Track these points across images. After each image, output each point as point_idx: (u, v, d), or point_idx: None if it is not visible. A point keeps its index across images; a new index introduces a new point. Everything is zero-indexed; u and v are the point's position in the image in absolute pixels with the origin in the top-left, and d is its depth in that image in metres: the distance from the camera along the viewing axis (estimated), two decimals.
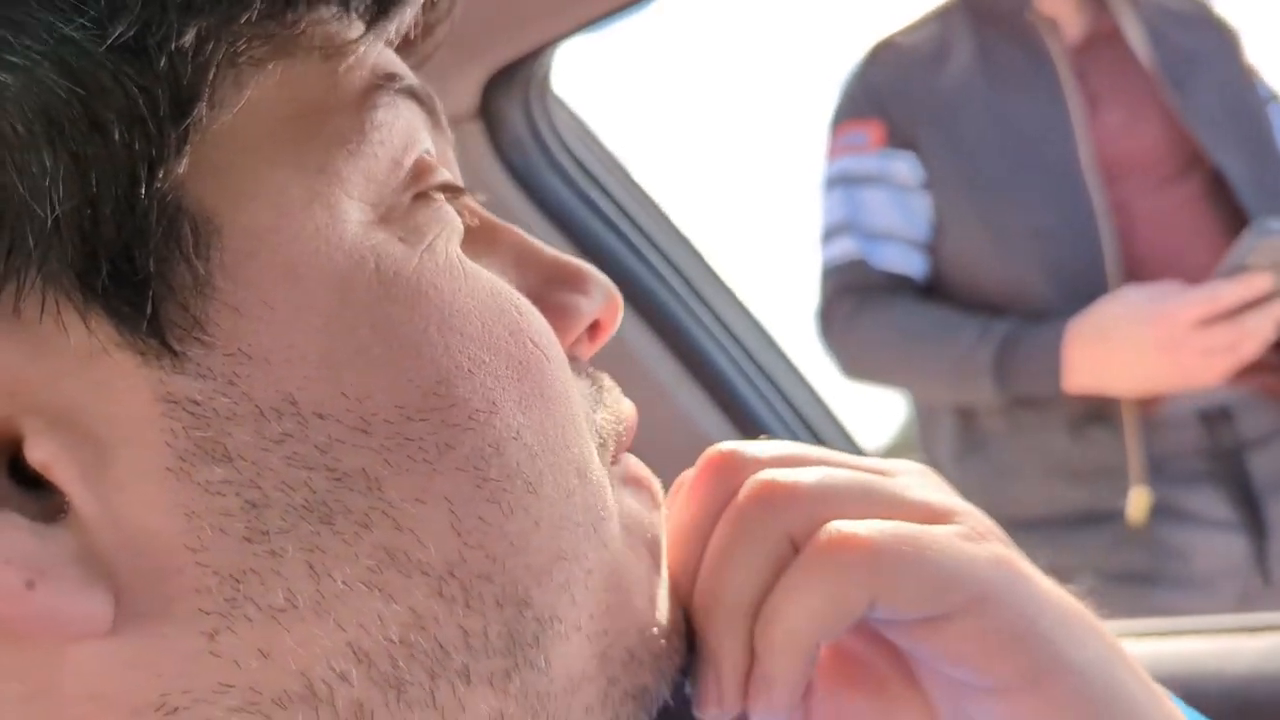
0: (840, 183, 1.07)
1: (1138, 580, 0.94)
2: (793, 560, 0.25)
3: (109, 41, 0.20)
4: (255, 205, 0.21)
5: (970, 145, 1.02)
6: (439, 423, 0.22)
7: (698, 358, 0.71)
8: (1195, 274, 0.93)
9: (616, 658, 0.24)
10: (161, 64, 0.20)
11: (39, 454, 0.19)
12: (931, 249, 1.05)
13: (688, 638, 0.26)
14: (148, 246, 0.20)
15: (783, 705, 0.25)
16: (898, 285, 1.04)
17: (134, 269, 0.20)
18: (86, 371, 0.20)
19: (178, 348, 0.20)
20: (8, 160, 0.19)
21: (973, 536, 0.26)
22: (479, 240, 0.26)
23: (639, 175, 0.75)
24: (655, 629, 0.25)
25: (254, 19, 0.21)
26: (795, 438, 0.73)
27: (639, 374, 0.69)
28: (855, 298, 1.04)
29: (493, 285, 0.24)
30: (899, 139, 1.04)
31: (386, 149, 0.23)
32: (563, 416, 0.24)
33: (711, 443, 0.76)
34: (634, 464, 0.28)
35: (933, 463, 1.15)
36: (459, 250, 0.24)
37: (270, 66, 0.22)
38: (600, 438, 0.26)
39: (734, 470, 0.28)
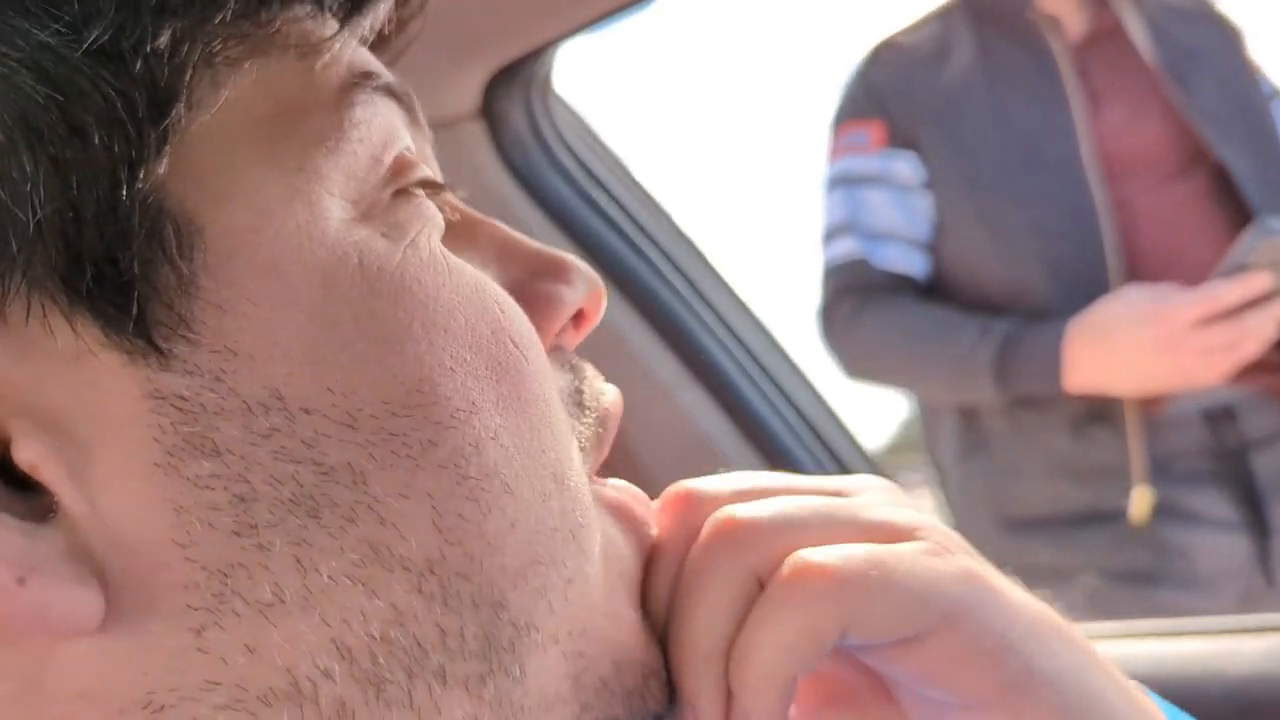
0: (841, 183, 1.06)
1: (1140, 579, 0.94)
2: (760, 596, 0.25)
3: (84, 46, 0.20)
4: (236, 204, 0.21)
5: (971, 144, 1.02)
6: (422, 419, 0.22)
7: (699, 357, 0.71)
8: (1198, 272, 0.93)
9: (590, 684, 0.24)
10: (137, 66, 0.20)
11: (26, 455, 0.20)
12: (933, 248, 1.04)
13: (669, 687, 0.26)
14: (131, 248, 0.20)
15: None
16: (899, 285, 1.04)
17: (118, 271, 0.20)
18: (73, 372, 0.20)
19: (164, 346, 0.20)
20: None
21: (938, 552, 0.25)
22: (460, 235, 0.26)
23: (641, 175, 0.75)
24: (630, 664, 0.25)
25: (228, 19, 0.22)
26: (797, 437, 0.73)
27: (640, 373, 0.69)
28: (856, 298, 1.04)
29: (476, 281, 0.24)
30: (900, 139, 1.04)
31: (366, 146, 0.23)
32: (539, 420, 0.24)
33: (713, 442, 0.76)
34: (619, 492, 0.28)
35: (936, 463, 1.14)
36: (441, 245, 0.24)
37: (246, 66, 0.22)
38: (581, 444, 0.26)
39: (694, 509, 0.27)
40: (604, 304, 0.29)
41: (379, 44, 0.27)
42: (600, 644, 0.25)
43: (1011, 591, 0.26)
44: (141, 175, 0.20)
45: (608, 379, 0.29)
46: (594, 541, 0.25)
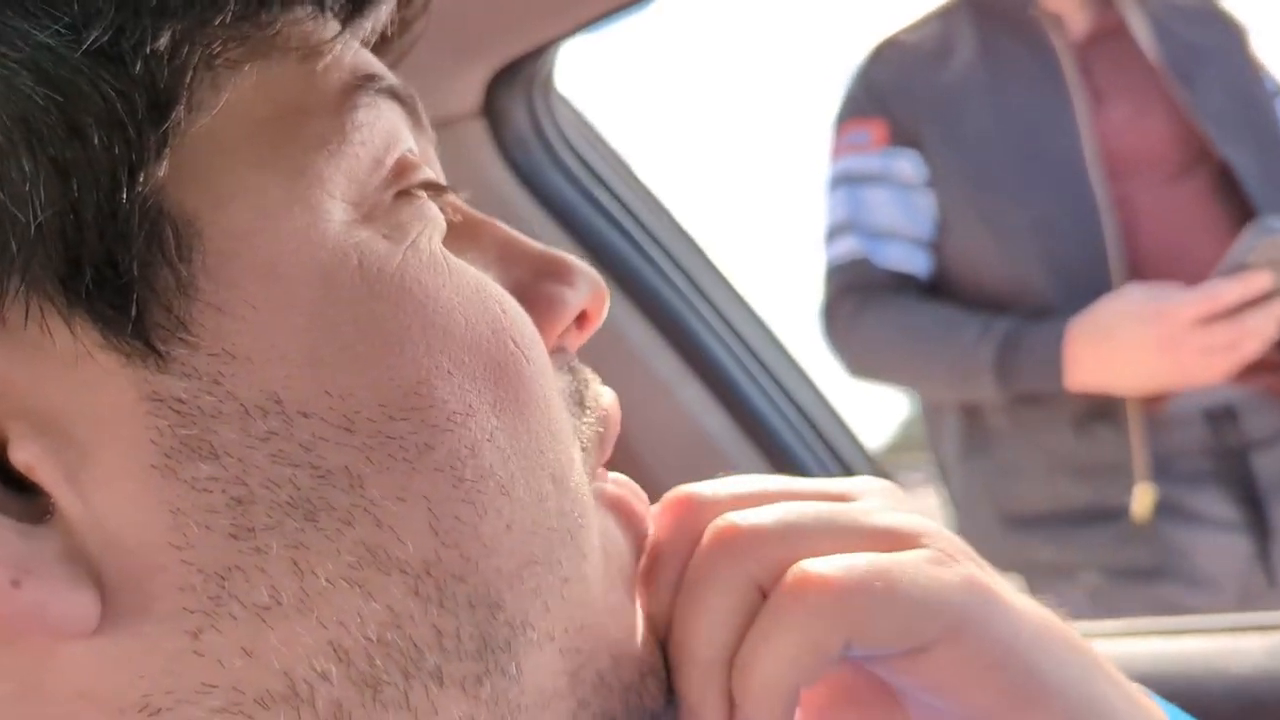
0: (844, 182, 1.06)
1: (1143, 577, 0.94)
2: (762, 607, 0.25)
3: (84, 47, 0.20)
4: (236, 206, 0.21)
5: (973, 142, 1.02)
6: (419, 422, 0.22)
7: (700, 355, 0.71)
8: (1200, 271, 0.92)
9: (588, 680, 0.24)
10: (137, 68, 0.20)
11: (23, 456, 0.20)
12: (935, 247, 1.04)
13: (667, 685, 0.26)
14: (130, 250, 0.20)
15: None
16: (901, 284, 1.04)
17: (117, 273, 0.20)
18: (70, 374, 0.20)
19: (162, 349, 0.20)
20: None
21: (942, 560, 0.25)
22: (462, 236, 0.26)
23: (643, 173, 0.75)
24: (628, 659, 0.25)
25: (228, 21, 0.21)
26: (798, 436, 0.73)
27: (642, 371, 0.69)
28: (858, 296, 1.04)
29: (477, 281, 0.24)
30: (902, 137, 1.04)
31: (368, 149, 0.23)
32: (538, 421, 0.24)
33: (714, 440, 0.76)
34: (619, 487, 0.28)
35: (939, 460, 1.14)
36: (442, 246, 0.24)
37: (247, 68, 0.22)
38: (582, 444, 0.26)
39: (695, 514, 0.27)
40: (607, 306, 0.29)
41: (382, 45, 0.26)
42: (598, 640, 0.24)
43: (1016, 599, 0.26)
44: (141, 177, 0.20)
45: (609, 377, 0.29)
46: (592, 541, 0.25)
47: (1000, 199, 1.00)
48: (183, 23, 0.21)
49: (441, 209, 0.25)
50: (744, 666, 0.25)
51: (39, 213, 0.19)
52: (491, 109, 0.68)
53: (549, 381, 0.25)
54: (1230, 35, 1.08)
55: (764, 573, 0.25)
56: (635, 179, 0.75)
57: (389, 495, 0.21)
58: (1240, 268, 0.89)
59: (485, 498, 0.22)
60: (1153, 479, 0.93)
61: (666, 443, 0.69)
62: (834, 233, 1.07)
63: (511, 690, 0.23)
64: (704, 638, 0.25)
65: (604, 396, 0.28)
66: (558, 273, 0.27)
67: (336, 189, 0.23)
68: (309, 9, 0.24)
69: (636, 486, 0.28)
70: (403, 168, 0.24)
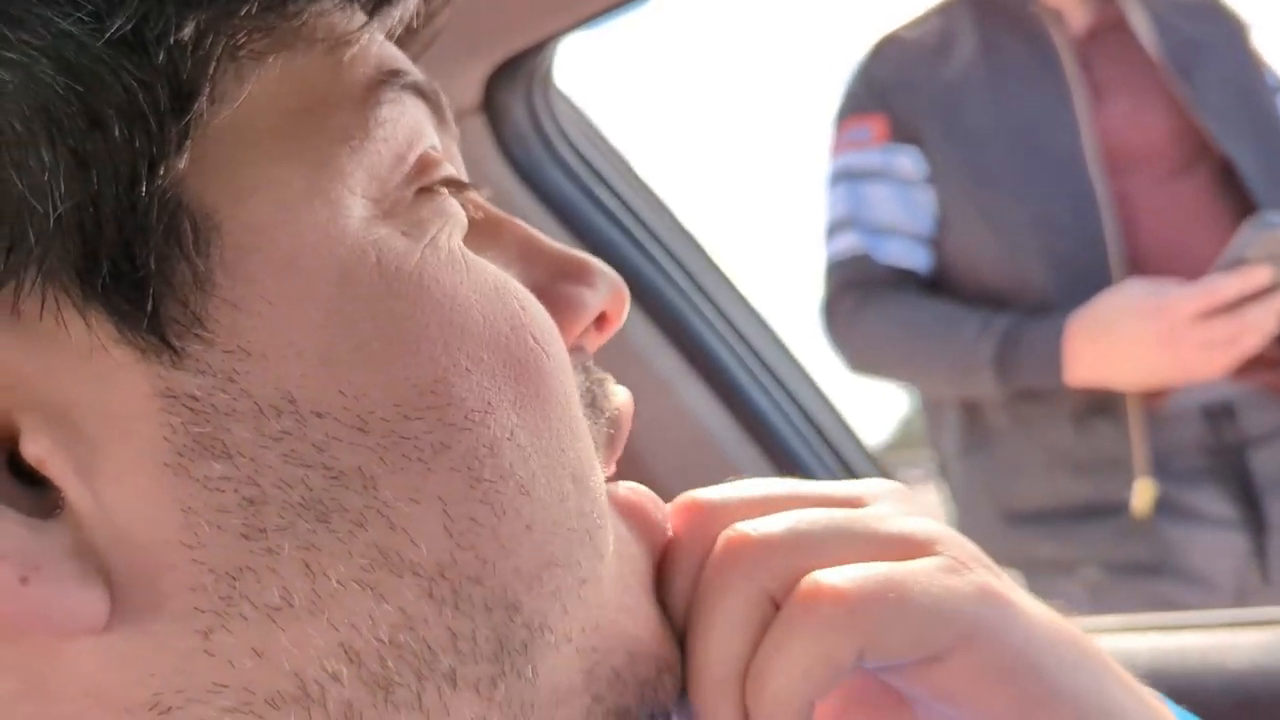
0: (844, 178, 1.06)
1: (1143, 572, 0.94)
2: (775, 619, 0.25)
3: (107, 35, 0.19)
4: (256, 200, 0.21)
5: (974, 138, 1.02)
6: (435, 422, 0.22)
7: (700, 352, 0.71)
8: (1201, 266, 0.92)
9: (603, 676, 0.24)
10: (160, 58, 0.20)
11: (34, 449, 0.19)
12: (935, 243, 1.04)
13: (682, 681, 0.26)
14: (148, 244, 0.20)
15: None
16: (901, 280, 1.04)
17: (134, 267, 0.20)
18: (84, 367, 0.20)
19: (177, 344, 0.20)
20: (6, 158, 0.19)
21: (955, 568, 0.25)
22: (483, 234, 0.26)
23: (642, 169, 0.75)
24: (645, 655, 0.25)
25: (254, 11, 0.21)
26: (798, 433, 0.73)
27: (641, 368, 0.69)
28: (859, 292, 1.04)
29: (496, 279, 0.24)
30: (903, 133, 1.04)
31: (390, 145, 0.23)
32: (559, 418, 0.24)
33: (713, 437, 0.76)
34: (633, 493, 0.27)
35: (939, 456, 1.14)
36: (461, 244, 0.24)
37: (271, 60, 0.22)
38: (594, 444, 0.26)
39: (705, 521, 0.27)
40: (626, 307, 0.28)
41: (405, 37, 0.26)
42: (614, 637, 0.24)
43: (1029, 606, 0.26)
44: (161, 170, 0.20)
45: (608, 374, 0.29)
46: (609, 541, 0.25)
47: (1000, 195, 1.00)
48: (208, 12, 0.20)
49: (463, 205, 0.25)
50: (757, 679, 0.24)
51: (58, 204, 0.19)
52: (491, 104, 0.68)
53: (569, 378, 0.25)
54: (1231, 30, 1.07)
55: (776, 583, 0.25)
56: (634, 175, 0.75)
57: (403, 496, 0.21)
58: (1239, 262, 0.89)
59: (504, 498, 0.22)
60: (1152, 475, 0.93)
61: (667, 441, 0.69)
62: (834, 228, 1.07)
63: (526, 691, 0.22)
64: (717, 650, 0.25)
65: (618, 395, 0.28)
66: (578, 273, 0.27)
67: (357, 185, 0.22)
68: (336, 0, 0.23)
69: (652, 494, 0.28)
70: (424, 164, 0.24)
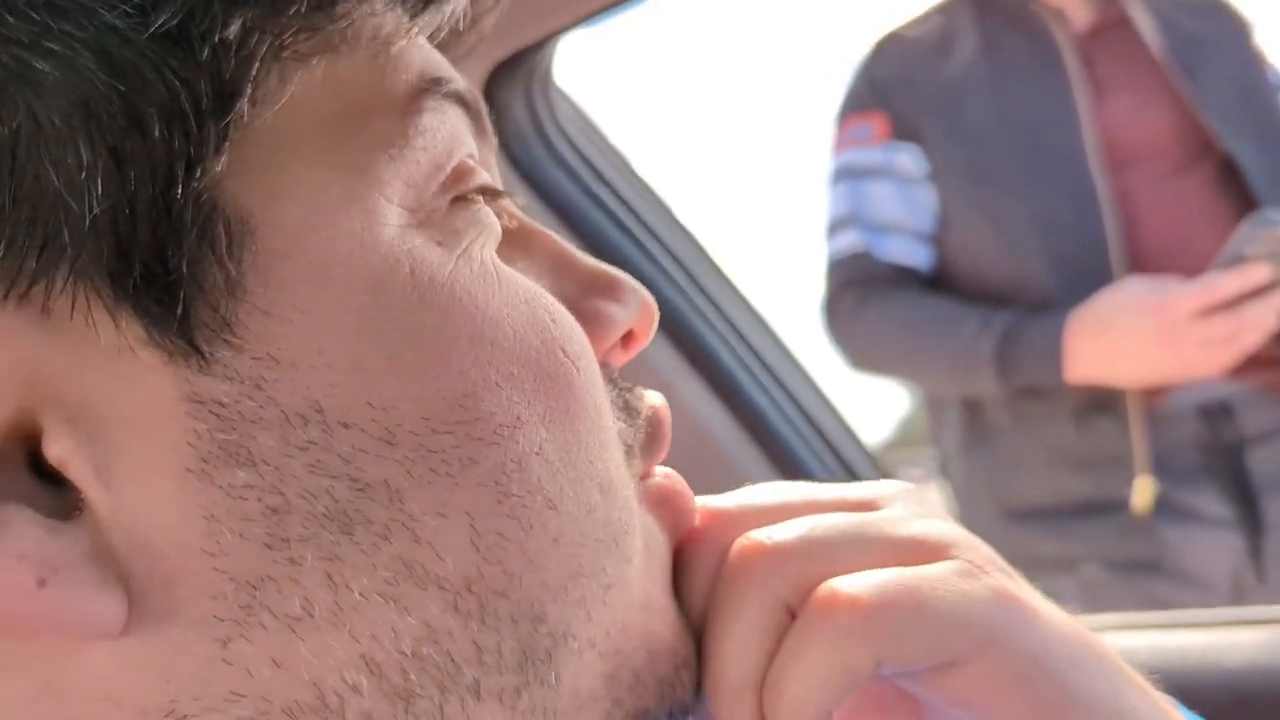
0: (845, 176, 1.06)
1: (1143, 569, 0.94)
2: (791, 627, 0.25)
3: (151, 30, 0.19)
4: (292, 205, 0.21)
5: (975, 136, 1.02)
6: (463, 436, 0.21)
7: (700, 351, 0.71)
8: (1202, 264, 0.92)
9: (624, 680, 0.24)
10: (204, 55, 0.19)
11: (56, 449, 0.19)
12: (936, 241, 1.04)
13: (698, 676, 0.26)
14: (181, 246, 0.19)
15: None
16: (902, 277, 1.04)
17: (166, 269, 0.19)
18: (111, 366, 0.19)
19: (206, 349, 0.20)
20: (44, 153, 0.18)
21: (971, 572, 0.25)
22: (515, 244, 0.26)
23: (641, 168, 0.75)
24: (664, 653, 0.25)
25: (302, 10, 0.21)
26: (797, 431, 0.73)
27: (640, 366, 0.69)
28: (860, 290, 1.04)
29: (528, 292, 0.24)
30: (904, 131, 1.04)
31: (429, 154, 0.23)
32: (588, 431, 0.23)
33: (714, 436, 0.76)
34: (666, 484, 0.27)
35: (941, 453, 1.14)
36: (494, 255, 0.24)
37: (315, 62, 0.21)
38: (627, 445, 0.25)
39: (719, 530, 0.27)
40: (655, 324, 0.28)
41: (449, 41, 0.26)
42: (636, 637, 0.24)
43: (1045, 610, 0.26)
44: (199, 172, 0.19)
45: None
46: (636, 544, 0.25)
47: (1001, 193, 1.00)
48: (254, 10, 0.20)
49: (497, 214, 0.25)
50: (774, 688, 0.24)
51: (94, 205, 0.19)
52: (490, 102, 0.68)
53: (600, 391, 0.24)
54: (1234, 28, 1.07)
55: (791, 592, 0.25)
56: (634, 173, 0.75)
57: (429, 510, 0.21)
58: (1239, 260, 0.89)
59: (531, 513, 0.22)
60: (1151, 474, 0.93)
61: None
62: (835, 226, 1.07)
63: (549, 699, 0.22)
64: (734, 660, 0.25)
65: (651, 398, 0.27)
66: (608, 289, 0.27)
67: (394, 193, 0.22)
68: (383, 1, 0.23)
69: (680, 478, 0.28)
70: (460, 172, 0.23)
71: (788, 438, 0.72)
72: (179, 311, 0.19)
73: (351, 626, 0.20)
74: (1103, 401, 0.95)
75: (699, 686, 0.26)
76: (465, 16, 0.25)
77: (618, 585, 0.24)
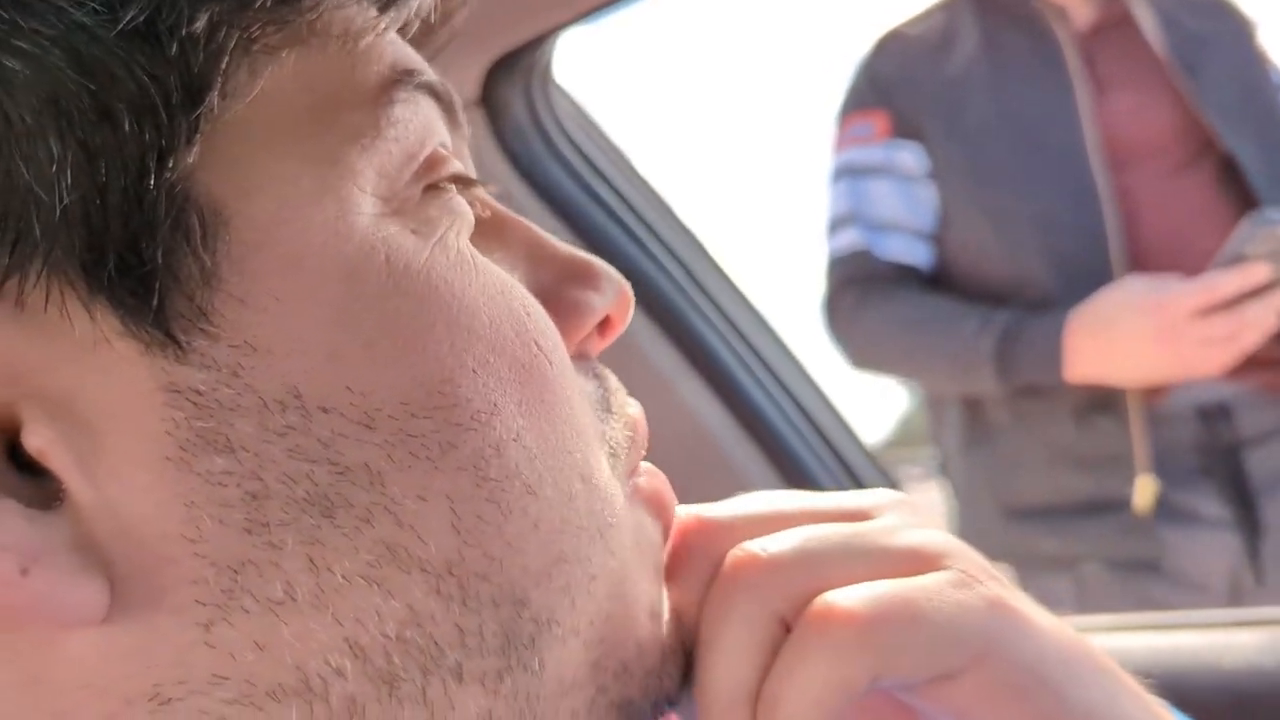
0: (846, 174, 1.06)
1: (1143, 568, 0.94)
2: (785, 641, 0.25)
3: (119, 27, 0.19)
4: (264, 196, 0.21)
5: (975, 134, 1.02)
6: (442, 421, 0.21)
7: (699, 349, 0.71)
8: (1203, 263, 0.92)
9: (609, 668, 0.24)
10: (173, 51, 0.20)
11: (36, 440, 0.19)
12: (937, 239, 1.04)
13: (685, 670, 0.26)
14: (155, 238, 0.20)
15: None
16: (903, 276, 1.04)
17: (140, 260, 0.20)
18: (88, 359, 0.20)
19: (182, 339, 0.20)
20: (14, 150, 0.19)
21: (966, 582, 0.25)
22: (490, 234, 0.26)
23: (641, 164, 0.75)
24: (653, 645, 0.25)
25: (268, 4, 0.21)
26: (796, 430, 0.73)
27: (639, 364, 0.69)
28: (860, 288, 1.04)
29: (502, 282, 0.24)
30: (905, 129, 1.04)
31: (401, 145, 0.23)
32: (563, 421, 0.24)
33: (712, 434, 0.76)
34: (654, 484, 0.27)
35: (941, 452, 1.14)
36: (469, 243, 0.24)
37: (285, 55, 0.22)
38: (611, 447, 0.26)
39: (711, 540, 0.27)
40: (631, 312, 0.28)
41: (421, 35, 0.26)
42: (623, 628, 0.24)
43: (1040, 618, 0.26)
44: (171, 163, 0.20)
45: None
46: (622, 539, 0.25)
47: (1002, 191, 1.00)
48: (221, 5, 0.20)
49: (470, 203, 0.25)
50: (769, 703, 0.24)
51: (65, 197, 0.19)
52: (490, 99, 0.68)
53: (572, 384, 0.25)
54: (1236, 27, 1.07)
55: (786, 605, 0.25)
56: (633, 171, 0.75)
57: (410, 494, 0.21)
58: (1239, 259, 0.89)
59: (510, 497, 0.22)
60: (1151, 473, 0.93)
61: (666, 439, 0.68)
62: (836, 225, 1.07)
63: (532, 684, 0.22)
64: (727, 674, 0.25)
65: (631, 407, 0.28)
66: (583, 277, 0.27)
67: (367, 183, 0.22)
68: None
69: (659, 473, 0.28)
70: (433, 161, 0.24)
71: (787, 437, 0.72)
72: (154, 302, 0.20)
73: (334, 610, 0.20)
74: (1103, 401, 0.95)
75: (686, 681, 0.26)
76: (435, 11, 0.25)
77: (603, 576, 0.24)
